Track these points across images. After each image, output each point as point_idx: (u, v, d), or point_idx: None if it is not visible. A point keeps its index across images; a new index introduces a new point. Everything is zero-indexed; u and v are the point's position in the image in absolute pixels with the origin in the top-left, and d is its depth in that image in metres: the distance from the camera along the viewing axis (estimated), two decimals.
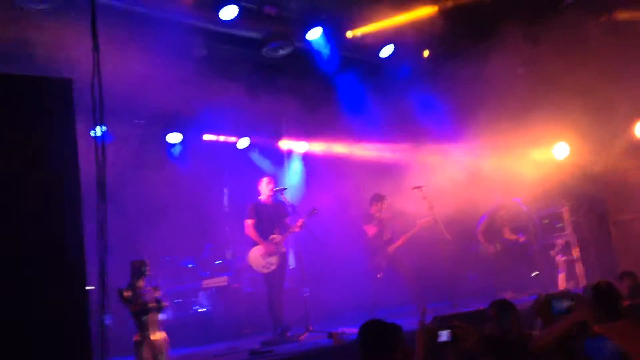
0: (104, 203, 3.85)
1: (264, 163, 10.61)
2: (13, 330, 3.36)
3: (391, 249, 7.83)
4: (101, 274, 3.70)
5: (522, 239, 8.36)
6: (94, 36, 4.22)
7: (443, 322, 3.14)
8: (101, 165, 3.83)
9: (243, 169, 10.24)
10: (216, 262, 8.83)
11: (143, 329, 4.96)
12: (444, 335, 2.60)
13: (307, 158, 10.73)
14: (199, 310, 8.42)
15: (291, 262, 8.62)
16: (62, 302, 4.06)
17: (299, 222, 6.66)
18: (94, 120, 4.02)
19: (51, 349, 3.60)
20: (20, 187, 4.16)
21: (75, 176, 4.48)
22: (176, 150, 9.88)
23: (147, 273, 5.10)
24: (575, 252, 8.14)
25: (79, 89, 4.56)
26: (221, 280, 8.31)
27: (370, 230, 7.90)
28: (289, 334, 6.46)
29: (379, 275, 7.76)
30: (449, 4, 8.09)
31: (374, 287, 7.83)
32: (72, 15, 7.17)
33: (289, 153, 10.83)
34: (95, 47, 4.19)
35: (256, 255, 6.75)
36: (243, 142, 10.38)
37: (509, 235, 8.51)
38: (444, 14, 8.20)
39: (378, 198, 7.96)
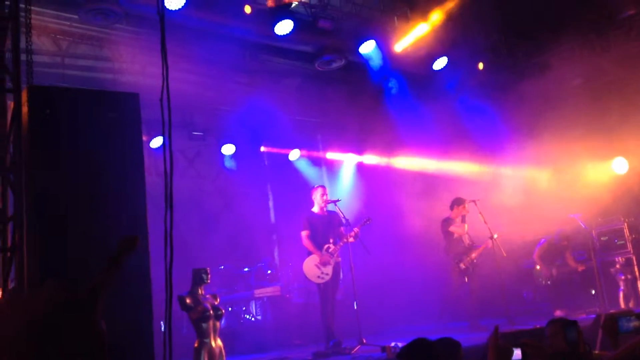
0: (170, 213, 3.96)
1: (314, 174, 10.69)
2: None
3: (475, 254, 7.58)
4: (168, 281, 3.80)
5: (581, 269, 8.11)
6: (163, 51, 4.38)
7: (511, 339, 3.08)
8: (169, 176, 3.96)
9: (294, 181, 10.35)
10: (268, 272, 8.93)
11: (202, 335, 5.05)
12: (517, 354, 2.55)
13: (358, 169, 10.77)
14: (251, 319, 8.51)
15: (340, 273, 8.62)
16: (129, 308, 4.22)
17: (354, 232, 6.63)
18: (162, 133, 4.18)
19: (118, 353, 3.74)
20: (92, 194, 4.38)
21: (142, 185, 4.67)
22: (229, 161, 10.07)
23: (208, 281, 5.19)
24: (637, 270, 7.83)
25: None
26: (274, 290, 8.37)
27: (458, 229, 7.62)
28: (342, 345, 6.45)
29: (465, 280, 7.52)
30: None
31: (452, 294, 7.66)
32: (130, 30, 7.51)
33: (339, 164, 10.88)
34: (165, 63, 4.36)
35: (311, 265, 6.75)
36: (294, 154, 10.50)
37: (570, 260, 8.25)
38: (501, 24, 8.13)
39: (459, 202, 7.70)
